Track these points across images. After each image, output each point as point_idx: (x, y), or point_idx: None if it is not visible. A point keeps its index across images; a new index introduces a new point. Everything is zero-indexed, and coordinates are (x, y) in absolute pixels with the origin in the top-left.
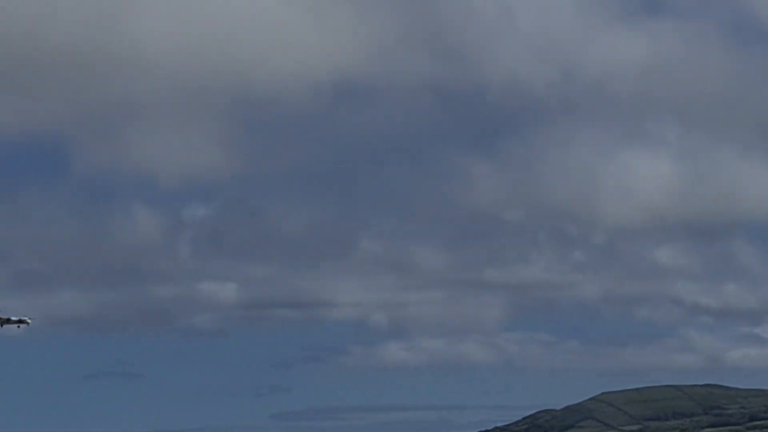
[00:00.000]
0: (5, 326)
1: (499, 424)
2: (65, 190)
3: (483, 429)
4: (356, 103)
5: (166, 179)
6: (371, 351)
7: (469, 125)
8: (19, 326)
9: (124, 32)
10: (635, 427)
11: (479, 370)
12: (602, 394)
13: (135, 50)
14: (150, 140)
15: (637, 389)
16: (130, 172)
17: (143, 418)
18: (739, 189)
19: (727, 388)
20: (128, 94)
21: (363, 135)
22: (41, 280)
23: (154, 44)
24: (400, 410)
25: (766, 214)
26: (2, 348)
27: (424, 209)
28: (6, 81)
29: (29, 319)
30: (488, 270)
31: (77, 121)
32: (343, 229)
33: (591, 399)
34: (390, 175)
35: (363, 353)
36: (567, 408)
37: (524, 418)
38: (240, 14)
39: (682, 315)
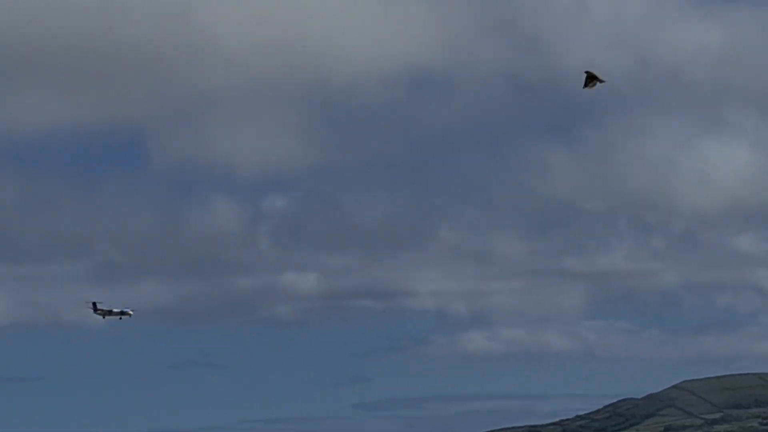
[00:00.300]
0: (107, 318)
1: (580, 413)
2: (145, 183)
3: (564, 418)
4: (431, 94)
5: (244, 171)
6: (452, 340)
7: (545, 114)
8: (120, 318)
9: (201, 26)
10: (717, 416)
11: (560, 358)
12: (683, 382)
13: (212, 44)
14: (228, 133)
15: (718, 377)
16: (209, 165)
17: (226, 409)
18: None
19: None
20: (206, 88)
21: (439, 125)
22: (124, 272)
23: (230, 37)
24: (481, 399)
25: None
26: (87, 340)
27: (501, 198)
28: (85, 75)
29: (131, 310)
30: (568, 258)
31: (156, 115)
32: (421, 218)
33: (672, 387)
34: (467, 165)
35: (444, 343)
36: (648, 396)
37: (605, 407)
38: (315, 6)
39: (763, 302)
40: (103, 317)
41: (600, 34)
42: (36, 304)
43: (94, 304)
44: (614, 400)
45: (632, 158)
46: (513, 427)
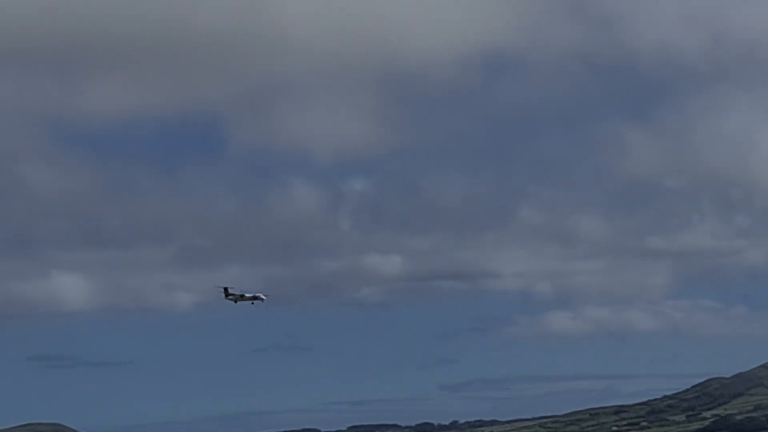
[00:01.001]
0: (240, 302)
1: (668, 393)
2: (224, 168)
3: (652, 398)
4: (506, 76)
5: (322, 155)
6: (536, 321)
7: (621, 94)
8: (253, 302)
9: (273, 13)
10: None
11: (646, 338)
12: None
13: (284, 31)
14: (304, 118)
15: None
16: (287, 150)
17: (311, 391)
18: None
19: None
20: (279, 75)
21: (515, 107)
22: (209, 257)
23: (302, 24)
24: (566, 380)
25: None
26: (174, 324)
27: (581, 178)
28: (162, 65)
29: (264, 295)
30: (651, 237)
31: (232, 102)
32: (502, 199)
33: (761, 366)
34: (546, 146)
35: (528, 323)
36: (737, 375)
37: (694, 386)
38: None
39: None
40: (235, 302)
41: (672, 12)
42: (123, 289)
43: (226, 289)
44: (702, 380)
45: (712, 136)
46: (599, 407)
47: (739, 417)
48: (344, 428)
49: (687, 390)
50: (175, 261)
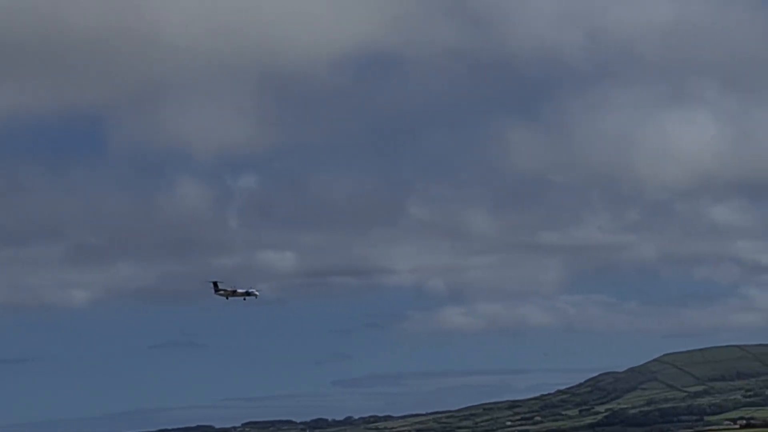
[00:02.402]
0: (231, 299)
1: (561, 387)
2: (108, 166)
3: (545, 392)
4: (386, 74)
5: (208, 154)
6: (430, 316)
7: (502, 91)
8: (245, 299)
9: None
10: (699, 388)
11: (539, 333)
12: (665, 355)
13: (161, 30)
14: (185, 116)
15: (700, 350)
16: (169, 147)
17: (207, 388)
18: None
19: None
20: (158, 73)
21: (396, 104)
22: (101, 254)
23: (178, 24)
24: (460, 375)
25: None
26: (69, 321)
27: (468, 175)
28: (38, 65)
29: (257, 291)
30: (543, 233)
31: (111, 101)
32: (391, 196)
33: (654, 360)
34: (430, 143)
35: (422, 319)
36: (630, 370)
37: (587, 381)
38: None
39: (742, 274)
40: (227, 298)
41: (549, 11)
42: (17, 287)
43: (215, 283)
44: (595, 374)
45: (596, 132)
46: (493, 402)
47: (632, 411)
48: (239, 425)
49: (580, 384)
50: (68, 259)
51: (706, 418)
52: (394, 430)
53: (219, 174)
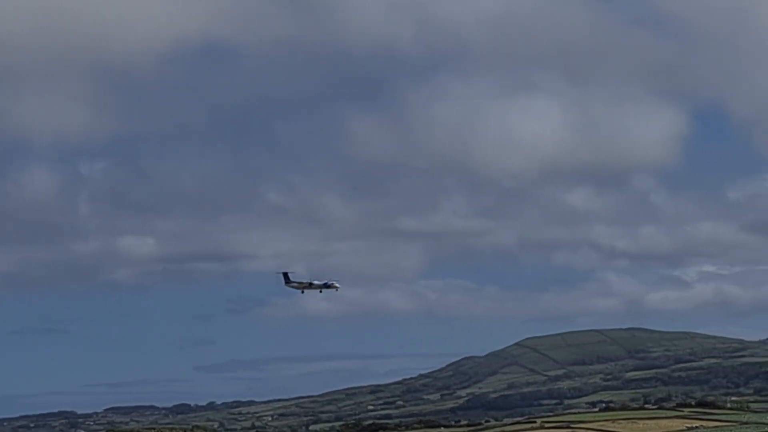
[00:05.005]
0: (306, 291)
1: (423, 372)
2: None
3: (407, 377)
4: (219, 65)
5: (57, 142)
6: (292, 302)
7: (337, 80)
8: (321, 291)
9: None
10: (560, 372)
11: (400, 318)
12: (526, 339)
13: None
14: (23, 108)
15: (560, 334)
16: (17, 137)
17: (68, 374)
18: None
19: (651, 331)
20: None
21: (234, 94)
22: None
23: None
24: (322, 360)
25: (660, 158)
26: None
27: (317, 162)
28: None
29: (337, 283)
30: (402, 219)
31: None
32: (245, 183)
33: (515, 345)
34: (274, 131)
35: (284, 304)
36: (491, 354)
37: (448, 365)
38: None
39: (600, 259)
40: (302, 291)
41: (380, 1)
42: None
43: (285, 275)
44: (457, 359)
45: (436, 122)
46: (355, 387)
47: (493, 395)
48: (101, 410)
49: (442, 369)
50: None
51: (566, 401)
52: (256, 414)
53: (65, 160)
